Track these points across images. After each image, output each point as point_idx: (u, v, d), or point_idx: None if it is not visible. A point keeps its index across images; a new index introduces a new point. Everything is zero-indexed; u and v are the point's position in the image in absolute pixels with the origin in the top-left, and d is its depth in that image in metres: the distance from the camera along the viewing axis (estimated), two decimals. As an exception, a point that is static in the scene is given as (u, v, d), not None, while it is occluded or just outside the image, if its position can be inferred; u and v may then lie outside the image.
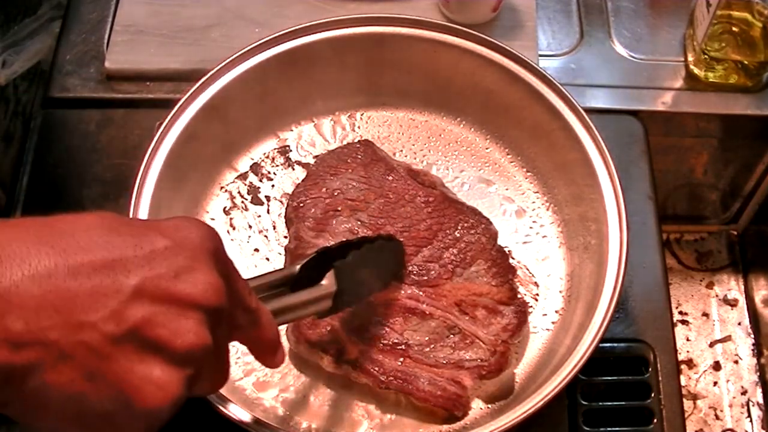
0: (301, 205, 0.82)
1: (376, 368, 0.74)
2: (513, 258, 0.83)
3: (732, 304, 1.17)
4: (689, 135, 1.05)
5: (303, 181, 0.85)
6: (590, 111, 0.82)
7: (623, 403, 0.85)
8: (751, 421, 1.09)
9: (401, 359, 0.75)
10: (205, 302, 0.48)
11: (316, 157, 0.88)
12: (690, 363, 1.13)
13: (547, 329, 0.80)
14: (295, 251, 0.80)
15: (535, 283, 0.83)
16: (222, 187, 0.87)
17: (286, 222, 0.84)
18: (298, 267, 0.68)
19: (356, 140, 0.88)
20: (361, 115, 0.91)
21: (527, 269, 0.83)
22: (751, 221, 1.17)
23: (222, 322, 0.51)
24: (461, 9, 0.98)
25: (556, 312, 0.81)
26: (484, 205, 0.86)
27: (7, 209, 0.91)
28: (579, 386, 0.84)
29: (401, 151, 0.90)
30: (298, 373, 0.78)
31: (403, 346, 0.76)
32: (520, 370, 0.78)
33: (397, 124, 0.91)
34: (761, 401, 1.10)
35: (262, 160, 0.89)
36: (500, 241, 0.83)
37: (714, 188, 1.15)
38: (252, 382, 0.77)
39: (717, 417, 1.09)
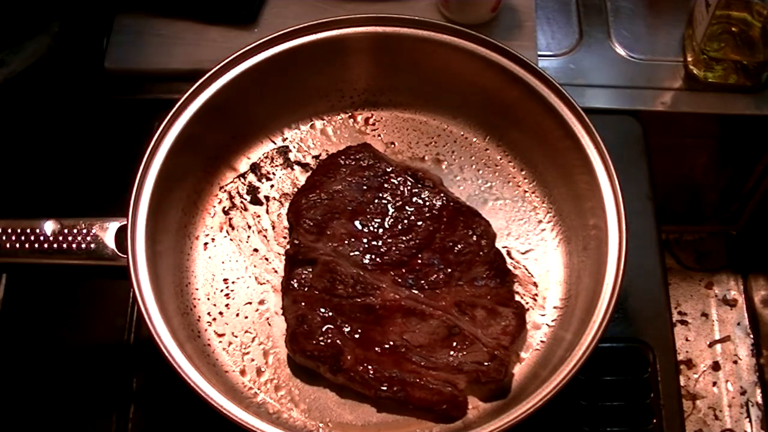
0: (301, 209, 0.82)
1: (372, 377, 0.74)
2: (512, 258, 0.83)
3: (731, 304, 1.17)
4: (689, 135, 1.05)
5: (303, 185, 0.85)
6: (589, 111, 0.82)
7: (623, 403, 0.85)
8: (750, 421, 1.09)
9: (399, 364, 0.75)
10: None
11: (315, 158, 0.88)
12: (689, 363, 1.13)
13: (547, 329, 0.80)
14: (295, 256, 0.80)
15: (534, 283, 0.83)
16: (221, 187, 0.87)
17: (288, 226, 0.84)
18: None
19: (355, 141, 0.88)
20: (361, 115, 0.91)
21: (526, 269, 0.83)
22: (750, 221, 1.17)
23: None
24: (460, 9, 0.98)
25: (556, 312, 0.81)
26: (483, 206, 0.86)
27: (7, 209, 0.91)
28: (579, 386, 0.84)
29: (401, 151, 0.90)
30: (298, 374, 0.78)
31: (402, 349, 0.76)
32: (520, 369, 0.78)
33: (397, 125, 0.91)
34: (760, 401, 1.10)
35: (261, 160, 0.89)
36: (499, 242, 0.83)
37: (713, 188, 1.15)
38: (252, 382, 0.77)
39: (716, 417, 1.09)
